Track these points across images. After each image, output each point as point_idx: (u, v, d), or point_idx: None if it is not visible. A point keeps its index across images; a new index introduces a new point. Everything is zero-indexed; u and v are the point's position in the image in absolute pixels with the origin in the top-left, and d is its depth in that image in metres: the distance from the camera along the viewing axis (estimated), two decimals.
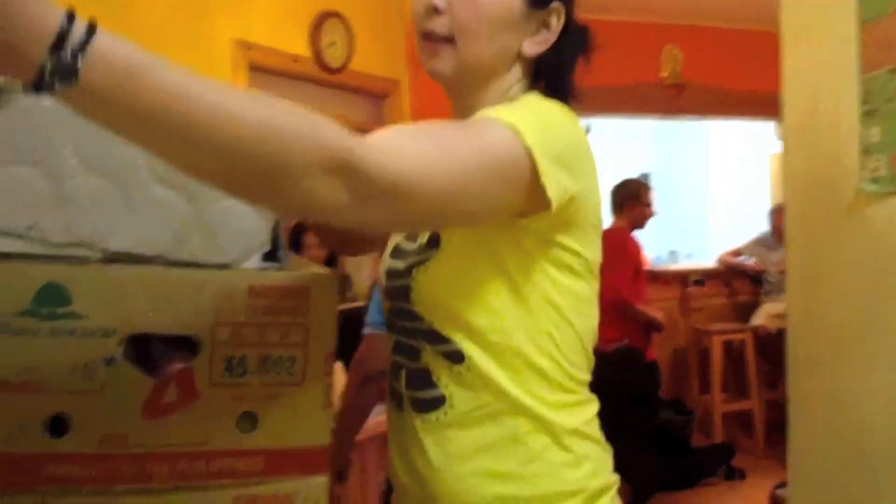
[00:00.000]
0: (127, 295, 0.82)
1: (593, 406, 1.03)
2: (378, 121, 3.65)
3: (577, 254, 0.95)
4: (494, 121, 0.85)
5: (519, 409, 0.95)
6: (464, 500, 0.96)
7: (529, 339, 0.94)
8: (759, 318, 4.89)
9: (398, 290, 1.00)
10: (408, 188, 0.74)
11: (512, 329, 0.94)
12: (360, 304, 2.67)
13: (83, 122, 0.83)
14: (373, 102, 3.82)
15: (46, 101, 0.83)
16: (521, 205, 0.87)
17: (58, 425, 0.81)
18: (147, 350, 0.84)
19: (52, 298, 0.80)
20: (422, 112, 3.56)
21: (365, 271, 3.43)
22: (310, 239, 2.69)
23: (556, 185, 0.85)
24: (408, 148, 0.76)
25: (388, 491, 2.76)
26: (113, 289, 0.82)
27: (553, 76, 1.01)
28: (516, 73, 1.00)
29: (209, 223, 0.87)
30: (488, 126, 0.85)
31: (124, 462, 0.83)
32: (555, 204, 0.86)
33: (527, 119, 0.86)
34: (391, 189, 0.73)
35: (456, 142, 0.82)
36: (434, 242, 0.96)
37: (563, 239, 0.93)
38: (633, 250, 3.96)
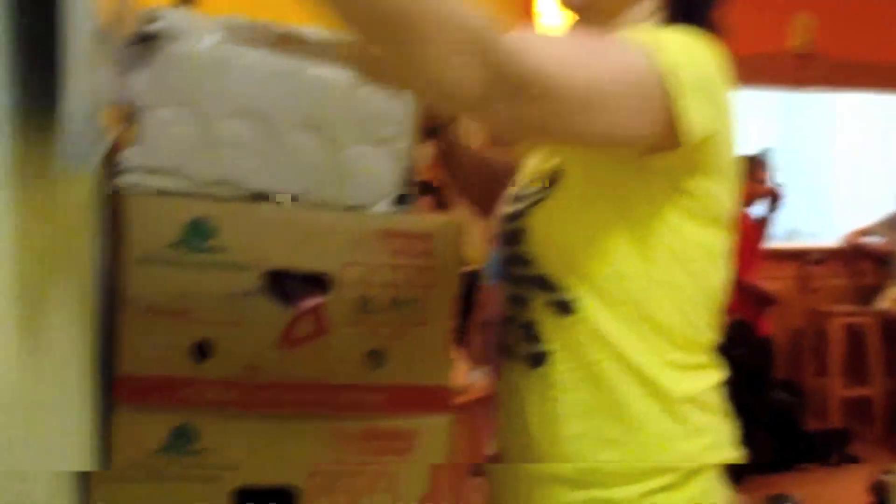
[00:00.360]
0: (267, 232, 0.87)
1: (717, 373, 0.96)
2: None
3: (709, 201, 0.89)
4: (635, 41, 0.81)
5: (630, 370, 0.90)
6: (563, 466, 0.92)
7: (649, 291, 0.89)
8: (885, 302, 4.66)
9: (511, 233, 0.97)
10: (546, 83, 0.73)
11: (630, 278, 0.89)
12: (471, 268, 2.69)
13: (234, 67, 0.89)
14: None
15: (200, 47, 0.89)
16: (654, 134, 0.81)
17: (202, 351, 0.87)
18: (284, 285, 0.89)
19: (199, 232, 0.86)
20: None
21: (475, 235, 3.46)
22: (424, 203, 2.73)
23: (694, 116, 0.80)
24: (550, 47, 0.75)
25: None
26: (255, 226, 0.87)
27: (693, 10, 0.95)
28: (653, 2, 0.95)
29: (344, 167, 0.91)
30: (629, 44, 0.81)
31: (260, 389, 0.88)
32: (691, 137, 0.81)
33: (669, 45, 0.81)
34: (529, 82, 0.72)
35: (596, 50, 0.79)
36: (553, 181, 0.93)
37: (696, 183, 0.87)
38: (744, 224, 3.85)
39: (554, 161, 0.94)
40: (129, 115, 0.88)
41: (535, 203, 0.94)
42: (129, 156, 0.88)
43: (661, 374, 0.90)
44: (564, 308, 0.91)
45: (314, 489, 0.89)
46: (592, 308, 0.90)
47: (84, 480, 0.84)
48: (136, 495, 0.86)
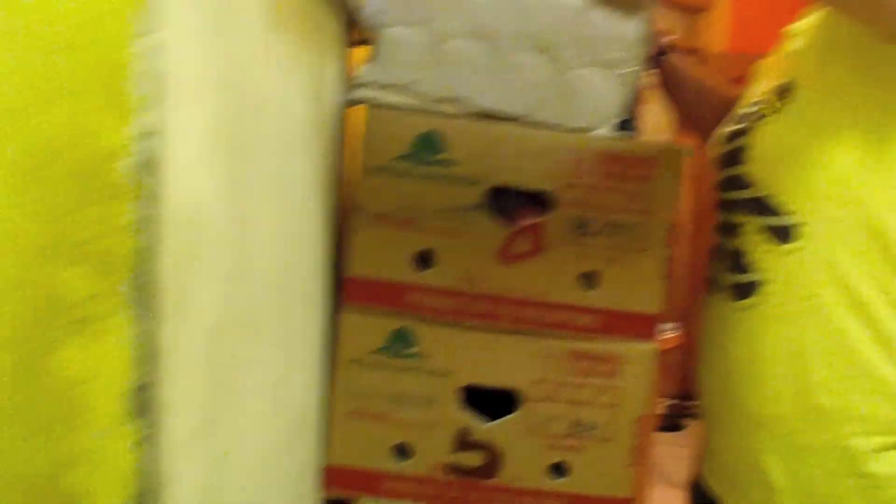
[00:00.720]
0: (492, 149, 0.90)
1: None
2: (691, 37, 3.51)
3: None
4: None
5: (855, 306, 0.82)
6: (770, 409, 0.87)
7: (884, 218, 0.81)
8: None
9: (731, 153, 0.93)
10: None
11: (864, 202, 0.82)
12: None
13: None
14: (686, 17, 3.67)
15: None
16: None
17: (424, 260, 0.91)
18: (505, 201, 0.91)
19: (428, 146, 0.89)
20: (743, 31, 3.37)
21: None
22: None
23: None
24: None
25: (670, 414, 2.74)
26: (481, 142, 0.90)
27: None
28: None
29: (569, 88, 0.91)
30: None
31: (476, 300, 0.91)
32: None
33: None
34: None
35: None
36: (783, 97, 0.88)
37: None
38: None
39: (785, 77, 0.90)
40: (367, 33, 0.93)
41: (762, 118, 0.89)
42: (365, 71, 0.92)
43: (890, 314, 0.83)
44: (783, 234, 0.86)
45: (537, 395, 0.92)
46: (818, 234, 0.84)
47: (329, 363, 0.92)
48: (372, 379, 0.92)
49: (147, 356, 0.41)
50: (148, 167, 0.40)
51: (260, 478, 0.64)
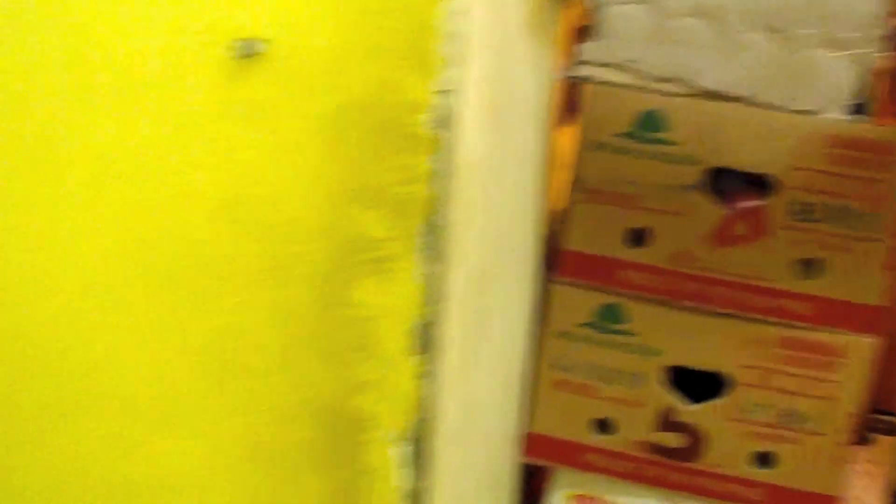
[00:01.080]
0: (716, 129, 0.89)
1: None
2: None
3: None
4: None
5: None
6: None
7: None
8: None
9: None
10: None
11: None
12: None
13: None
14: None
15: None
16: None
17: (638, 237, 0.92)
18: (725, 182, 0.90)
19: (650, 124, 0.89)
20: None
21: None
22: None
23: None
24: None
25: (864, 431, 2.58)
26: (704, 122, 0.89)
27: None
28: None
29: (798, 69, 0.89)
30: None
31: (688, 281, 0.91)
32: None
33: None
34: None
35: None
36: None
37: None
38: None
39: None
40: (589, 11, 0.94)
41: None
42: (586, 49, 0.93)
43: None
44: None
45: (746, 381, 0.91)
46: None
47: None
48: (578, 352, 0.94)
49: (432, 297, 0.44)
50: (444, 122, 0.43)
51: (489, 426, 0.67)
